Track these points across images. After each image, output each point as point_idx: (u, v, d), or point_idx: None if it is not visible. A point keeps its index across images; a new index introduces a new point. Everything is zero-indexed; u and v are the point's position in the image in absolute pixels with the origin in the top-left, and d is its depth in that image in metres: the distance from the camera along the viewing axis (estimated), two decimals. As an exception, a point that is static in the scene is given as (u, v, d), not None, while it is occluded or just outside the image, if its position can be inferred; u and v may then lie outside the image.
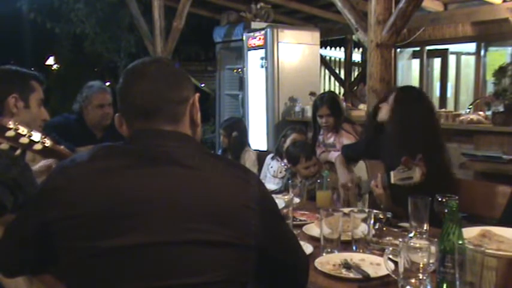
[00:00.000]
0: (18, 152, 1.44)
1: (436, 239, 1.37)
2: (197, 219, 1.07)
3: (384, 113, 2.54)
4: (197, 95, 1.25)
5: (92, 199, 1.07)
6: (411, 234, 1.81)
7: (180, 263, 1.06)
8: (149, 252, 1.05)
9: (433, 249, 1.35)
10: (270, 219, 1.20)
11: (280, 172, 3.36)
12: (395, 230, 2.02)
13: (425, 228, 1.82)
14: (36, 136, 1.47)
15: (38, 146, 1.47)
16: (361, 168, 2.68)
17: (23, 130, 1.44)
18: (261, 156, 3.77)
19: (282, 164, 3.38)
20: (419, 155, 2.14)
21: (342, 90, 8.20)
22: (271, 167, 3.50)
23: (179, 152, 1.13)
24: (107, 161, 1.12)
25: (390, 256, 1.49)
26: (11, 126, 1.42)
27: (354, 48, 8.27)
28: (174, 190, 1.09)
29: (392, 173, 2.20)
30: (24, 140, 1.44)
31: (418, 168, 2.11)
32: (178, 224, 1.07)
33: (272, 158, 3.56)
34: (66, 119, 3.14)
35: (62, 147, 1.58)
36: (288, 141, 3.37)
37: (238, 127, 3.84)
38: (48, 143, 1.50)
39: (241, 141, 3.81)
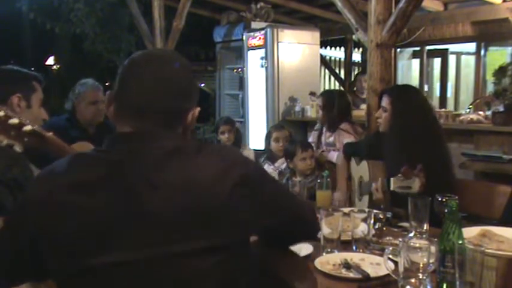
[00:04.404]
0: (4, 142, 1.41)
1: (436, 239, 1.37)
2: (182, 229, 1.03)
3: (384, 124, 2.54)
4: (198, 109, 1.20)
5: (68, 217, 1.03)
6: (411, 234, 1.81)
7: (168, 277, 1.03)
8: (135, 268, 1.02)
9: (433, 249, 1.35)
10: (265, 200, 1.16)
11: None
12: (395, 230, 2.01)
13: (425, 228, 1.82)
14: (27, 121, 1.46)
15: (28, 128, 1.44)
16: (363, 168, 2.68)
17: (13, 115, 1.43)
18: (259, 155, 3.77)
19: (273, 168, 3.39)
20: (419, 165, 2.14)
21: (342, 91, 8.21)
22: None
23: (159, 162, 1.07)
24: (82, 173, 1.07)
25: (390, 256, 1.49)
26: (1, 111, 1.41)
27: (354, 48, 8.26)
28: (152, 202, 1.04)
29: (392, 180, 2.20)
30: (14, 121, 1.41)
31: (418, 179, 2.11)
32: (161, 238, 1.03)
33: (263, 162, 3.56)
34: (54, 121, 3.07)
35: (51, 133, 1.56)
36: (271, 141, 3.49)
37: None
38: (37, 127, 1.48)
39: (239, 137, 3.86)
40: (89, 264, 1.02)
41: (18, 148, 1.44)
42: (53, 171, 1.10)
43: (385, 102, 2.52)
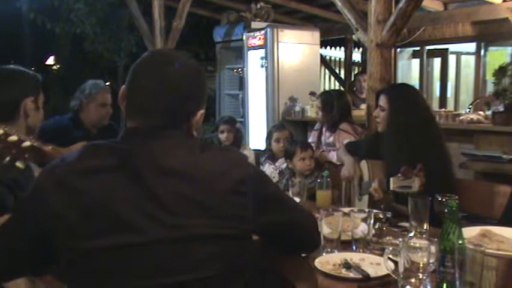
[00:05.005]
0: (7, 159, 1.43)
1: (436, 239, 1.37)
2: (186, 215, 1.07)
3: (383, 123, 2.53)
4: (202, 112, 1.23)
5: (79, 200, 1.06)
6: (411, 234, 1.81)
7: (173, 260, 1.06)
8: (140, 252, 1.05)
9: (433, 249, 1.35)
10: (265, 199, 1.20)
11: (274, 177, 3.37)
12: (395, 229, 2.01)
13: (425, 228, 1.82)
14: (25, 138, 1.47)
15: (26, 144, 1.46)
16: (363, 167, 2.68)
17: (11, 132, 1.44)
18: (259, 155, 3.78)
19: (273, 167, 3.39)
20: (419, 165, 2.14)
21: (342, 91, 8.20)
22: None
23: (165, 151, 1.12)
24: (93, 160, 1.11)
25: (390, 256, 1.49)
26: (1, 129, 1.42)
27: (354, 48, 8.26)
28: (158, 187, 1.08)
29: (391, 179, 2.20)
30: (13, 138, 1.43)
31: (418, 178, 2.11)
32: (167, 222, 1.06)
33: (264, 162, 3.56)
34: (57, 121, 3.09)
35: (49, 147, 1.57)
36: (272, 141, 3.49)
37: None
38: (36, 143, 1.50)
39: (239, 137, 3.85)
40: (94, 246, 1.04)
41: (20, 165, 1.46)
42: (64, 160, 1.14)
43: (383, 101, 2.52)
